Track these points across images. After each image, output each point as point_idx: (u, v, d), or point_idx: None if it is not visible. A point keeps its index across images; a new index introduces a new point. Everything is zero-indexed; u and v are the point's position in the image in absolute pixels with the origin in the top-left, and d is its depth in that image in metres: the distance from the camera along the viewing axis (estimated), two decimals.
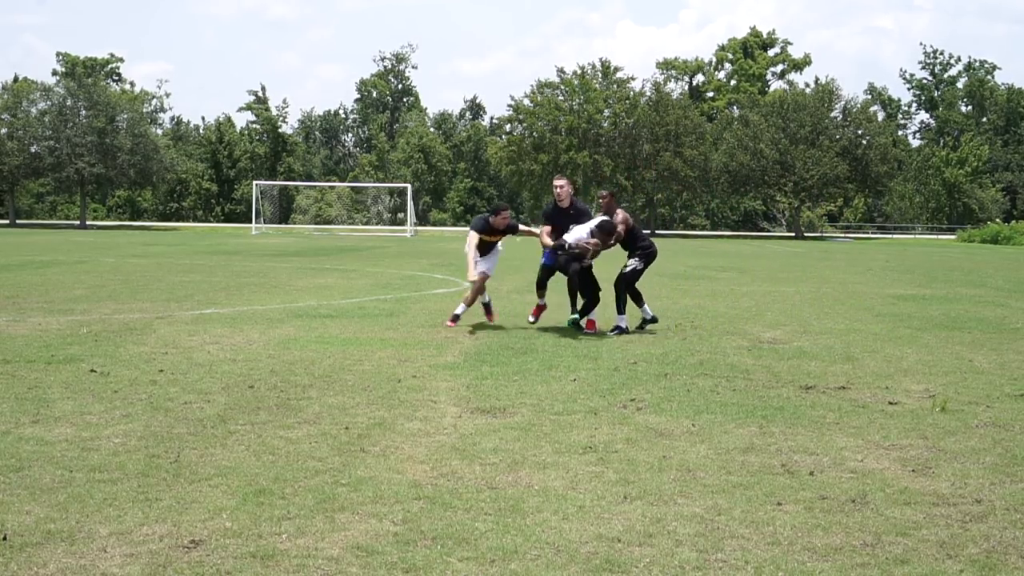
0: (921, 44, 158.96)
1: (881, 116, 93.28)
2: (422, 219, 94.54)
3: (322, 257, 30.95)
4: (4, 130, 77.21)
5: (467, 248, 12.53)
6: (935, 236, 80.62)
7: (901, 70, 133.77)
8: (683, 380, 8.75)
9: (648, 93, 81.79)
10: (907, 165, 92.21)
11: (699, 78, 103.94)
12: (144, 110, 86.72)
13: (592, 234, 11.66)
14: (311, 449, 6.13)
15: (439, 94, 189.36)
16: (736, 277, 23.74)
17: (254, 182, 78.73)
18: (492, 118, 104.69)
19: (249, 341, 10.77)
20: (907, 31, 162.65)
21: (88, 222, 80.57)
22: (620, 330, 11.79)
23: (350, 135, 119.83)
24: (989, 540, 4.62)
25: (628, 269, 12.13)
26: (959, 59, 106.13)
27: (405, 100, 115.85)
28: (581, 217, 12.12)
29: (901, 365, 9.80)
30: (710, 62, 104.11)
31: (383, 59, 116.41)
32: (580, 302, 12.27)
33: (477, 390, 8.15)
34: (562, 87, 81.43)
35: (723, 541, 4.57)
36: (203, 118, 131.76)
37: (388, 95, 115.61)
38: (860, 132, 79.29)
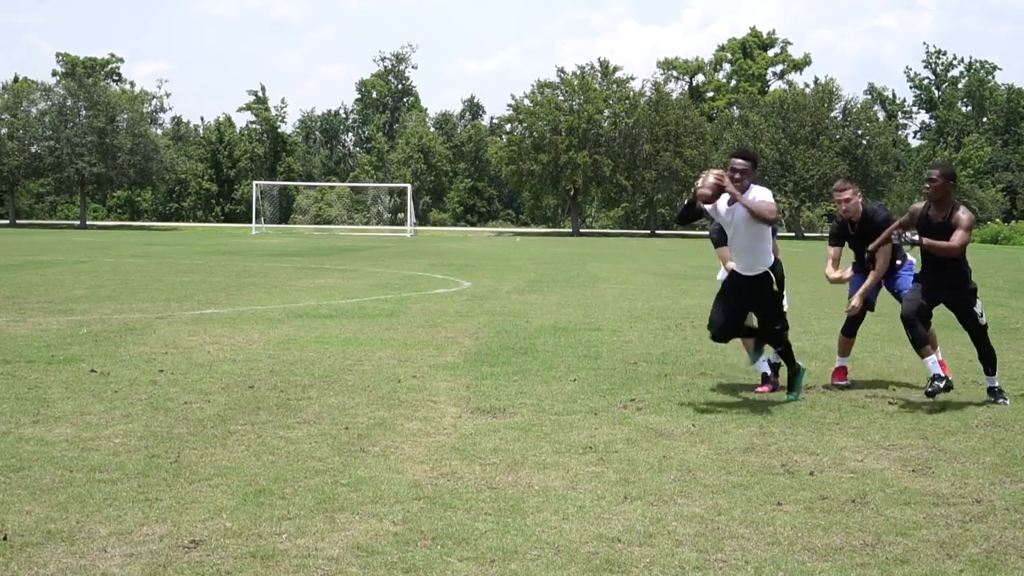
0: (924, 44, 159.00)
1: (882, 116, 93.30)
2: (422, 219, 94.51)
3: (322, 257, 30.95)
4: (4, 130, 77.17)
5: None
6: None
7: (906, 67, 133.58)
8: (683, 380, 8.75)
9: (648, 93, 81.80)
10: (906, 165, 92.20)
11: (699, 78, 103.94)
12: (144, 110, 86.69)
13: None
14: (311, 449, 6.14)
15: (442, 94, 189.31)
16: None
17: (254, 182, 78.69)
18: (492, 118, 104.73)
19: (249, 341, 10.77)
20: (910, 31, 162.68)
21: (88, 222, 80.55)
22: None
23: (350, 135, 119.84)
24: (989, 540, 4.62)
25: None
26: (961, 60, 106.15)
27: (405, 100, 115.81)
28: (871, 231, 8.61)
29: (901, 365, 9.81)
30: (710, 62, 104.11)
31: (383, 59, 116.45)
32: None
33: (477, 390, 8.15)
34: (562, 87, 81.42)
35: (723, 541, 4.57)
36: (202, 118, 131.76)
37: (388, 95, 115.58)
38: (860, 132, 79.30)
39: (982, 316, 8.00)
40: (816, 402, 7.88)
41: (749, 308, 7.99)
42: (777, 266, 7.93)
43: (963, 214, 7.74)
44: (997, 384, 8.04)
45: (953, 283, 7.87)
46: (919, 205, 7.96)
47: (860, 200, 8.85)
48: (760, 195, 7.65)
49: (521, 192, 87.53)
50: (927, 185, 7.80)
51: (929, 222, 7.78)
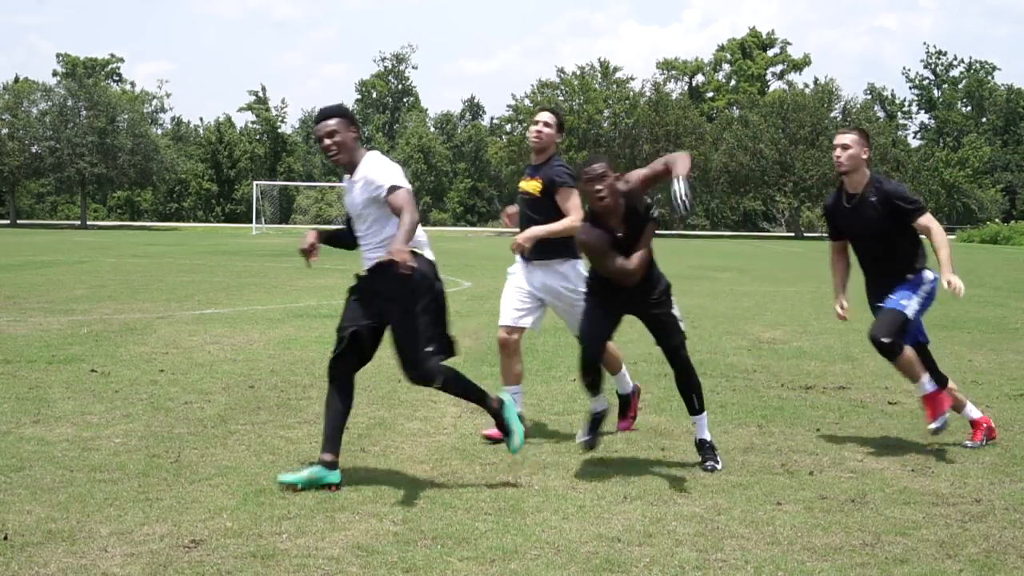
0: (924, 44, 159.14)
1: (881, 116, 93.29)
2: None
3: (322, 257, 30.85)
4: (5, 130, 77.15)
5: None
6: None
7: (904, 68, 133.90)
8: None
9: (648, 93, 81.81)
10: (904, 165, 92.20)
11: (699, 78, 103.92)
12: (145, 110, 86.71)
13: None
14: (311, 449, 6.14)
15: (443, 94, 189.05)
16: (736, 277, 23.73)
17: (254, 182, 78.71)
18: (492, 118, 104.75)
19: (249, 341, 10.78)
20: (911, 31, 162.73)
21: (88, 222, 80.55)
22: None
23: None
24: (988, 540, 4.63)
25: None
26: (961, 60, 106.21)
27: (405, 100, 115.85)
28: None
29: None
30: (710, 62, 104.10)
31: (383, 59, 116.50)
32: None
33: None
34: (562, 87, 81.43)
35: (723, 541, 4.58)
36: (201, 119, 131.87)
37: (388, 95, 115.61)
38: None
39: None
40: (816, 402, 7.88)
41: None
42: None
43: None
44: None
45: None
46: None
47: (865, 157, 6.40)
48: (377, 167, 5.50)
49: None
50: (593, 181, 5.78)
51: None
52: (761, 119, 78.65)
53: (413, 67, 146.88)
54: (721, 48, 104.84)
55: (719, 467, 5.83)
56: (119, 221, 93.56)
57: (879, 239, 6.33)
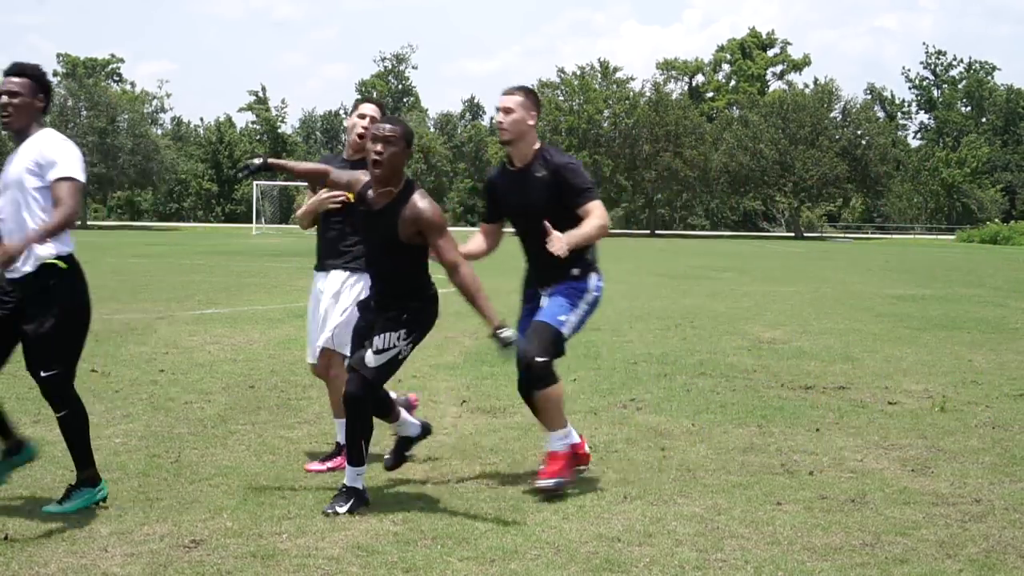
0: (924, 44, 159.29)
1: (881, 116, 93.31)
2: None
3: None
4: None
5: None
6: (934, 236, 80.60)
7: (904, 68, 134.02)
8: (683, 380, 8.76)
9: (648, 93, 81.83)
10: (905, 165, 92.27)
11: (699, 78, 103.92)
12: (145, 110, 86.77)
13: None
14: (311, 449, 6.15)
15: (444, 94, 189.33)
16: (736, 277, 23.73)
17: (254, 182, 78.69)
18: (492, 118, 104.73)
19: (250, 341, 10.78)
20: (911, 31, 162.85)
21: (89, 222, 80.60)
22: None
23: None
24: (988, 540, 4.63)
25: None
26: (961, 60, 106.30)
27: (405, 100, 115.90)
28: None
29: (900, 365, 9.81)
30: (710, 63, 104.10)
31: (383, 59, 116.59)
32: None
33: (477, 390, 8.15)
34: (562, 87, 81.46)
35: (723, 541, 4.58)
36: (202, 119, 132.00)
37: (388, 95, 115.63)
38: (860, 132, 79.35)
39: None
40: (816, 402, 7.88)
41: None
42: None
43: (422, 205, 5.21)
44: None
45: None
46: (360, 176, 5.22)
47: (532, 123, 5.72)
48: (58, 147, 4.93)
49: None
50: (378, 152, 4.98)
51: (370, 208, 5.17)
52: (761, 119, 78.69)
53: (413, 67, 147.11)
54: (721, 48, 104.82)
55: (339, 511, 4.85)
56: (119, 221, 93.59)
57: (544, 219, 5.30)
